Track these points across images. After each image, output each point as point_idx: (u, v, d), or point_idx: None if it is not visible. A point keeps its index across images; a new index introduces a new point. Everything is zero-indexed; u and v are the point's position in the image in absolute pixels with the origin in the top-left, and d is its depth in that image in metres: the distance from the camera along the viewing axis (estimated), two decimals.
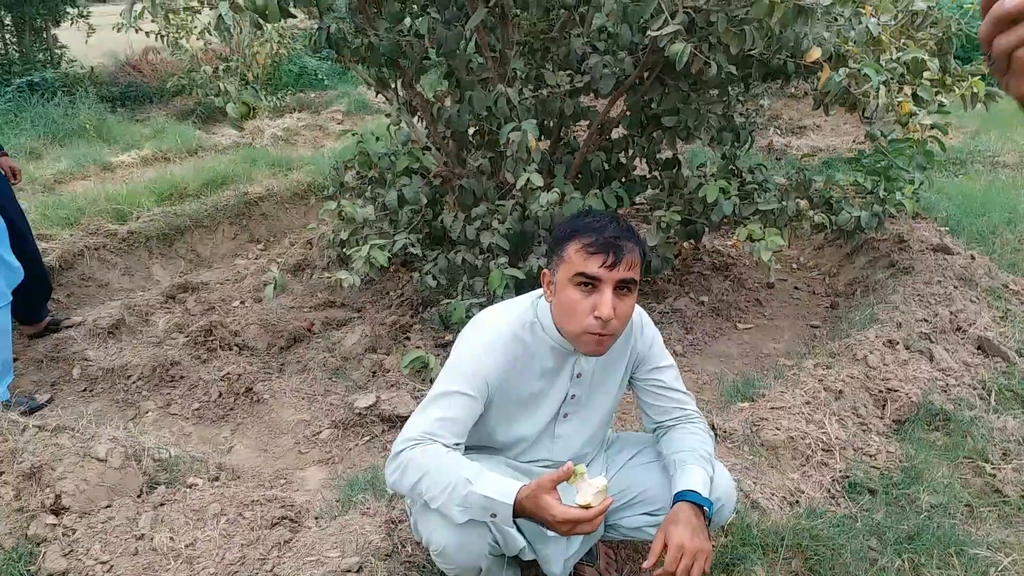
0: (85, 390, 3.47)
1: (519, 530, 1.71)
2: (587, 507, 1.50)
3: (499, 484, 1.57)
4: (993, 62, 0.72)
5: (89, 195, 5.45)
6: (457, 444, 1.71)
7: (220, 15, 2.98)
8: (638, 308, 1.92)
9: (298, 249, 5.03)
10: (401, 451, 1.69)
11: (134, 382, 3.45)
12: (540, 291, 1.83)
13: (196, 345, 3.68)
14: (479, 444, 1.89)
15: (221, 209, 5.50)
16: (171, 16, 8.49)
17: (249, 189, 5.85)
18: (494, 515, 1.57)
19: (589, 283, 1.63)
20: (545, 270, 1.76)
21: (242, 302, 4.33)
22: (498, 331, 1.78)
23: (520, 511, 1.54)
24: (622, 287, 1.63)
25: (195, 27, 8.92)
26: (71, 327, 3.93)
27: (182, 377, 3.48)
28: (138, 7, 3.22)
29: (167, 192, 5.65)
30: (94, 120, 8.04)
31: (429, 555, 2.08)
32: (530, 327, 1.80)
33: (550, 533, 1.81)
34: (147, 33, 8.87)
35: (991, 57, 0.72)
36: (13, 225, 3.48)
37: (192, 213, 5.33)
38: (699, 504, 1.71)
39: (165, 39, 9.12)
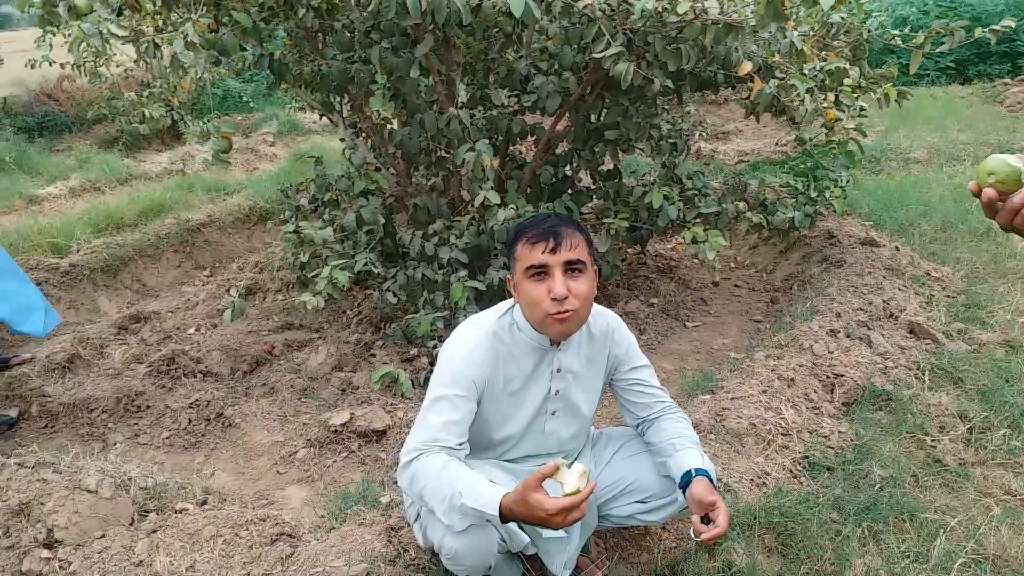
0: (46, 426, 3.40)
1: (521, 528, 1.83)
2: (575, 493, 1.61)
3: (486, 494, 1.68)
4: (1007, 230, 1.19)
5: (21, 230, 5.32)
6: (460, 444, 1.85)
7: (175, 54, 2.98)
8: (612, 314, 2.11)
9: (248, 273, 5.02)
10: (409, 461, 1.82)
11: (98, 415, 3.41)
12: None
13: (159, 374, 3.65)
14: (475, 443, 2.00)
15: (163, 237, 5.45)
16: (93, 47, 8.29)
17: (189, 216, 5.79)
18: (489, 520, 1.70)
19: (539, 272, 1.81)
20: (508, 275, 1.95)
21: (197, 329, 4.30)
22: (480, 333, 1.95)
23: (509, 515, 1.65)
24: (571, 268, 1.81)
25: (114, 55, 8.71)
26: (22, 364, 3.85)
27: (148, 407, 3.45)
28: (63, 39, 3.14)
29: (103, 223, 5.56)
30: (13, 152, 7.80)
31: (432, 558, 2.17)
32: (508, 328, 1.96)
33: (546, 533, 1.94)
34: (61, 64, 8.61)
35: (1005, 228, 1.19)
36: None
37: (134, 243, 5.26)
38: (708, 476, 1.92)
39: (83, 68, 8.86)
